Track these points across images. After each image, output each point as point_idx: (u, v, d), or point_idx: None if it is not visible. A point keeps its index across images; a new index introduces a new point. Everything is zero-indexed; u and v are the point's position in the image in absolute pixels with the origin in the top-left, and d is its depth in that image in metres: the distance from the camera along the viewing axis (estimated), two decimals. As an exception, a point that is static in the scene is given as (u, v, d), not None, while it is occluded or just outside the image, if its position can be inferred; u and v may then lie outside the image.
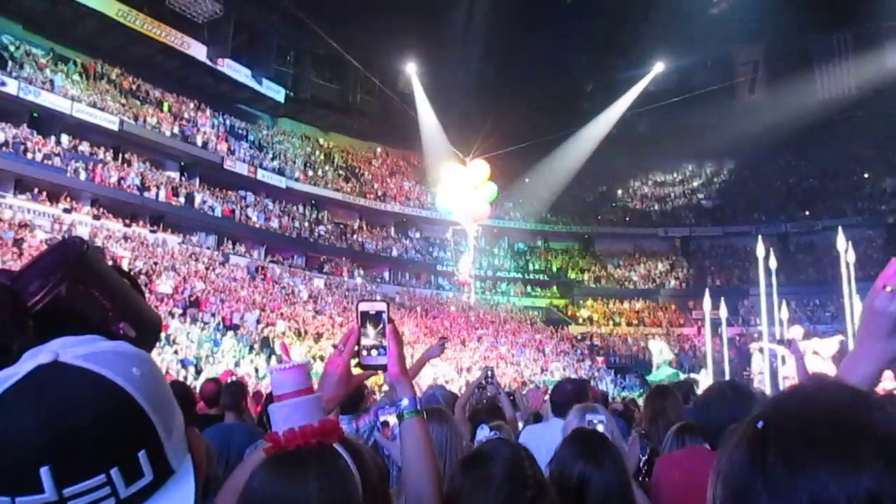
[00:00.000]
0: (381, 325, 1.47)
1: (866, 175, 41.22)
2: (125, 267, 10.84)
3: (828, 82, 37.23)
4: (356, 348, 1.47)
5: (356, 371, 1.51)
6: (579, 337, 37.74)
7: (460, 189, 16.18)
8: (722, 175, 47.56)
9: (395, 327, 1.48)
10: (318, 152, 39.37)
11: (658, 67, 36.63)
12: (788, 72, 36.39)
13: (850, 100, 36.74)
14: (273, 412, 1.17)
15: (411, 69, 35.32)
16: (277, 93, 35.57)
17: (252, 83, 34.01)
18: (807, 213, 40.79)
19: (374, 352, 1.47)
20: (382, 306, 1.50)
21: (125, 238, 24.61)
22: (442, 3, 31.92)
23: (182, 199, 29.04)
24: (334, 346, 1.52)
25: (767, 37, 37.09)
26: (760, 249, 15.36)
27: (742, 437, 0.71)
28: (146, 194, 27.12)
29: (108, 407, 0.74)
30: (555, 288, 42.14)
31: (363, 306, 1.48)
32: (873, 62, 34.84)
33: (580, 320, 39.85)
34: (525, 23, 34.33)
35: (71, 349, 0.78)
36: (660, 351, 25.46)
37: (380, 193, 39.63)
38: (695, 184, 47.65)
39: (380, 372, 1.51)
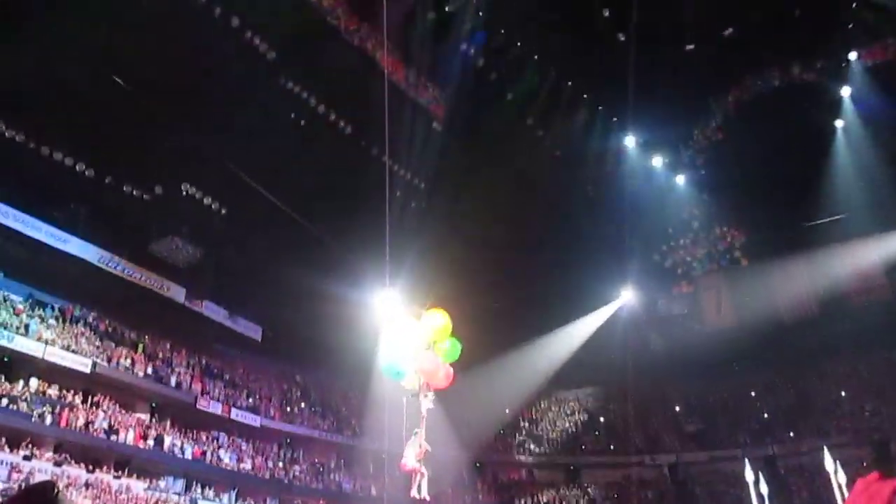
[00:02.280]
0: None
1: (843, 393, 40.92)
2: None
3: (791, 307, 38.89)
4: None
5: None
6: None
7: (412, 345, 11.23)
8: (703, 398, 47.21)
9: None
10: (294, 389, 38.88)
11: (626, 296, 37.97)
12: (752, 293, 37.86)
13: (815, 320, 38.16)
14: None
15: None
16: (255, 331, 35.90)
17: (229, 323, 34.43)
18: (791, 434, 40.08)
19: None
20: None
21: (87, 485, 23.35)
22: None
23: (151, 442, 28.01)
24: None
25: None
26: (749, 474, 14.87)
27: None
28: (113, 437, 26.17)
29: None
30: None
31: None
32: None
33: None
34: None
35: None
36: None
37: (357, 430, 38.59)
38: (676, 408, 46.99)
39: None
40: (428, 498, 11.13)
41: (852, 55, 29.20)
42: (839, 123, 31.85)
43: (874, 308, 37.88)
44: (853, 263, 37.23)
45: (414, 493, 11.14)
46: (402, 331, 11.45)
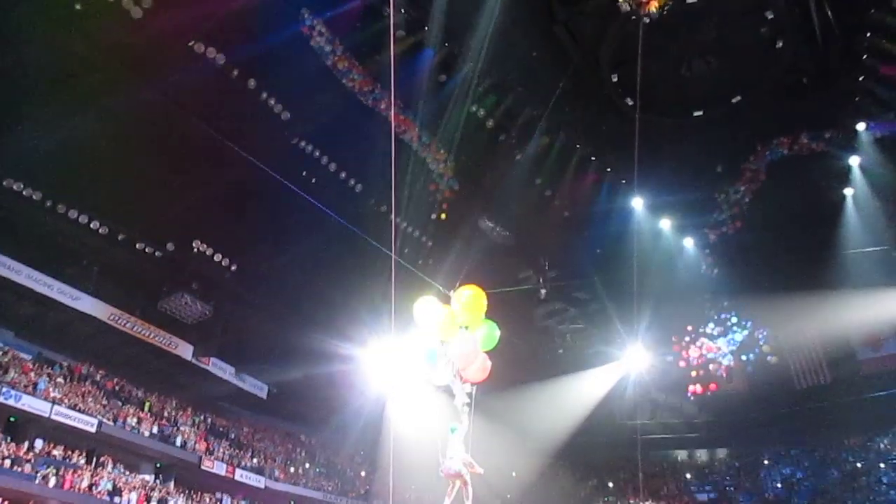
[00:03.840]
0: None
1: (858, 465, 40.07)
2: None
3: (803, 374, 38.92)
4: None
5: None
6: None
7: (441, 333, 9.60)
8: (716, 464, 46.32)
9: None
10: (299, 449, 38.35)
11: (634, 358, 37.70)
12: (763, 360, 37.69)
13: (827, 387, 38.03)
14: None
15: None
16: (261, 389, 35.60)
17: (236, 381, 34.19)
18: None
19: None
20: None
21: (89, 550, 22.86)
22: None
23: (155, 504, 27.50)
24: None
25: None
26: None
27: None
28: (117, 499, 25.70)
29: None
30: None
31: None
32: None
33: None
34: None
35: None
36: None
37: (362, 491, 37.93)
38: (687, 475, 46.00)
39: None
40: None
41: (860, 126, 29.52)
42: (849, 192, 32.04)
43: (886, 377, 37.85)
44: (865, 332, 37.22)
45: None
46: (430, 312, 9.47)
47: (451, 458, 8.98)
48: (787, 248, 33.35)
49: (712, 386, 37.31)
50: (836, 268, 32.57)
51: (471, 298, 9.23)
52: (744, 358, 36.93)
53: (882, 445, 39.18)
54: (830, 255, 32.68)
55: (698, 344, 36.49)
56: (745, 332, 36.07)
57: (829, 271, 32.50)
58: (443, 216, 32.54)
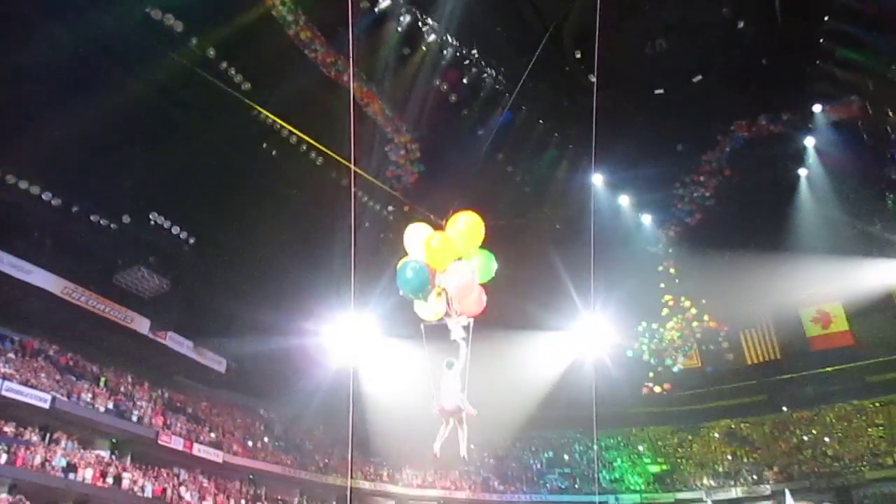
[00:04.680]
0: None
1: (805, 438, 41.29)
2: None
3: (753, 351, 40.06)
4: None
5: None
6: None
7: (435, 261, 8.74)
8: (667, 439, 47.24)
9: None
10: (258, 423, 38.19)
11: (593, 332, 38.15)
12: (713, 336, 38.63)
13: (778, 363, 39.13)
14: None
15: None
16: (219, 364, 35.27)
17: (194, 355, 33.80)
18: (755, 476, 40.41)
19: None
20: None
21: (43, 527, 22.50)
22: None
23: (110, 480, 27.12)
24: None
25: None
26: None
27: None
28: (71, 476, 25.28)
29: None
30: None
31: None
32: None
33: None
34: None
35: None
36: None
37: (321, 465, 37.99)
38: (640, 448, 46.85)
39: None
40: (466, 457, 8.90)
41: (816, 108, 30.14)
42: (803, 172, 32.77)
43: (835, 354, 39.13)
44: (815, 309, 38.41)
45: (437, 447, 8.83)
46: (422, 236, 8.59)
47: (448, 394, 8.55)
48: (740, 227, 34.06)
49: (667, 386, 38.31)
50: (787, 246, 33.43)
51: (467, 224, 8.63)
52: (703, 348, 38.05)
53: (828, 419, 40.64)
54: (783, 234, 33.51)
55: (655, 341, 37.34)
56: (702, 317, 36.81)
57: (781, 249, 33.35)
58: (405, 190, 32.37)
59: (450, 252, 8.48)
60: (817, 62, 28.29)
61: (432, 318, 8.59)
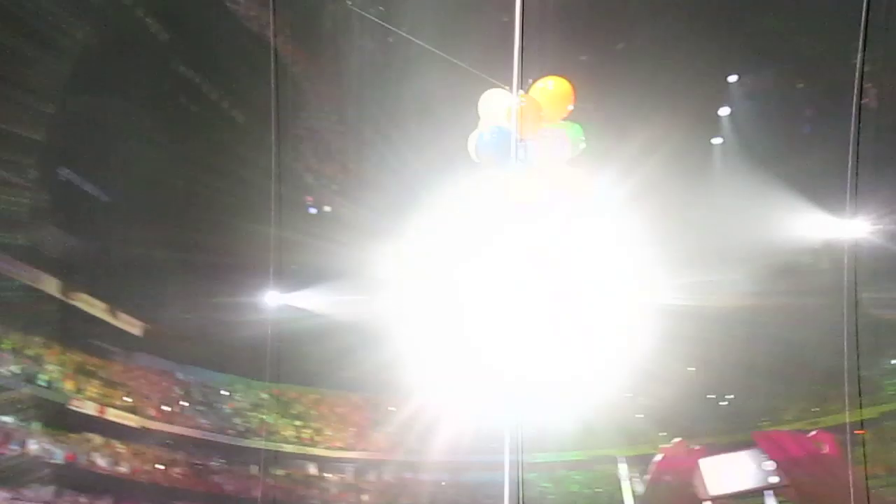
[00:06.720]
0: None
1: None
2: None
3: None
4: None
5: None
6: None
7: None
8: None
9: None
10: (175, 387, 37.35)
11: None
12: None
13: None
14: None
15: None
16: (135, 326, 34.27)
17: (108, 318, 32.72)
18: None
19: None
20: None
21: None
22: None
23: (17, 447, 26.19)
24: None
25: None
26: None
27: None
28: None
29: None
30: None
31: None
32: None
33: None
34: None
35: None
36: None
37: (242, 429, 37.54)
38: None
39: None
40: None
41: (732, 78, 30.86)
42: (716, 141, 33.53)
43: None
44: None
45: None
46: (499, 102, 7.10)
47: None
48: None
49: None
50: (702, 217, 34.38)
51: (556, 86, 7.26)
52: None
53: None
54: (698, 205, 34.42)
55: None
56: None
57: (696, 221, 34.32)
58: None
59: (536, 116, 7.08)
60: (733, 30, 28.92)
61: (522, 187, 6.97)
